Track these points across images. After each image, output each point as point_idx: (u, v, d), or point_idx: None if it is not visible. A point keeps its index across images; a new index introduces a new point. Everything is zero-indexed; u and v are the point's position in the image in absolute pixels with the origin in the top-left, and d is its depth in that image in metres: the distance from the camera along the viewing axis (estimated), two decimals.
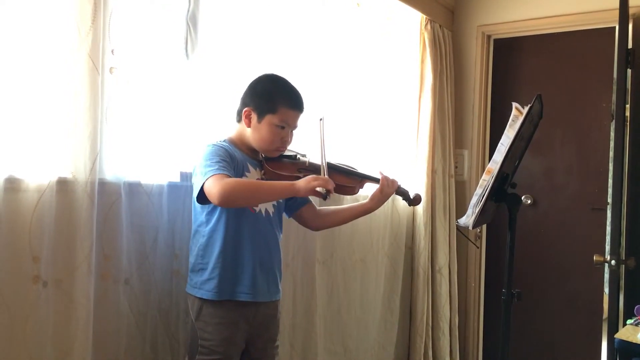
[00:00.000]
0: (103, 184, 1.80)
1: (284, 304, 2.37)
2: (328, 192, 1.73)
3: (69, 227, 1.68)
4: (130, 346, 1.92)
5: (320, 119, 1.95)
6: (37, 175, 1.64)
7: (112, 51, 1.83)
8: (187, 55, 2.13)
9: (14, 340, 1.58)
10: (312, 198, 2.09)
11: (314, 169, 1.96)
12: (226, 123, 2.08)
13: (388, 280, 3.24)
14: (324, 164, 1.91)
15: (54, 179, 1.66)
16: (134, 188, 1.92)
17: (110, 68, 1.83)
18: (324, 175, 1.86)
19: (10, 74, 1.61)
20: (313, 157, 2.02)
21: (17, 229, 1.59)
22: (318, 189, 1.71)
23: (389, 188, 2.06)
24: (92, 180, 1.72)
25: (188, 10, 2.13)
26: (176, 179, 2.09)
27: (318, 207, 2.16)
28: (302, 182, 1.73)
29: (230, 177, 1.73)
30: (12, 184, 1.59)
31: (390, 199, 2.15)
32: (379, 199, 2.06)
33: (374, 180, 2.08)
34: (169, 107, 2.07)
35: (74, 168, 1.70)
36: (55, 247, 1.66)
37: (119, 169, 1.87)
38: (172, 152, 2.08)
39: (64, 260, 1.67)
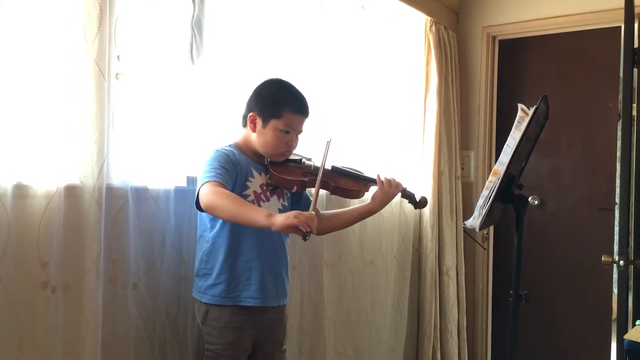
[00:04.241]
0: (110, 189, 1.80)
1: (291, 308, 2.37)
2: (309, 232, 1.56)
3: (77, 232, 1.69)
4: (139, 350, 1.93)
5: (328, 141, 1.90)
6: (45, 182, 1.65)
7: (118, 57, 1.84)
8: (192, 60, 2.14)
9: (23, 346, 1.59)
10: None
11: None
12: (232, 127, 2.08)
13: (397, 282, 3.24)
14: (318, 190, 1.80)
15: (62, 185, 1.67)
16: (141, 193, 1.93)
17: (117, 74, 1.84)
18: (315, 204, 1.75)
19: (17, 81, 1.62)
20: (318, 161, 2.01)
21: (25, 235, 1.59)
22: (300, 227, 1.57)
23: (391, 188, 2.03)
24: (100, 185, 1.73)
25: (193, 16, 2.14)
26: (183, 183, 2.10)
27: (321, 211, 2.15)
28: (282, 217, 1.58)
29: (225, 185, 1.73)
30: (21, 191, 1.59)
31: (397, 201, 2.14)
32: (380, 199, 2.02)
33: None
34: (175, 112, 2.08)
35: (82, 174, 1.70)
36: (64, 253, 1.66)
37: (126, 174, 1.88)
38: (179, 156, 2.09)
39: (72, 266, 1.68)
